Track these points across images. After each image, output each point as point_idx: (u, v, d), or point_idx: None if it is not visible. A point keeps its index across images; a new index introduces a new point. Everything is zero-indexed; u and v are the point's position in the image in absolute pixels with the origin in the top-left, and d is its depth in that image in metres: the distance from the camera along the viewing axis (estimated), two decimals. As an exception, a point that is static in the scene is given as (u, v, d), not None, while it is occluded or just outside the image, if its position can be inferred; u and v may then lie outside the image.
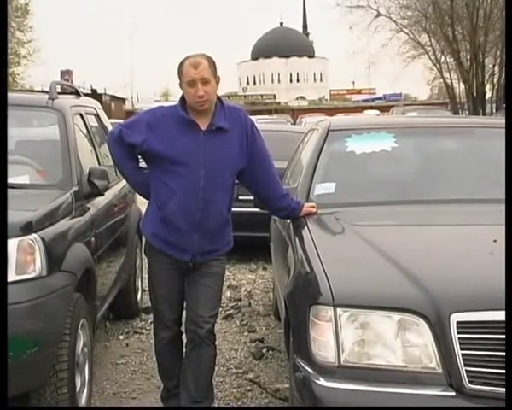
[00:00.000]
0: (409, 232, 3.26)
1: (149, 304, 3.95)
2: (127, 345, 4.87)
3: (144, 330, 5.15)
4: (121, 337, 5.03)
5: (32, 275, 3.01)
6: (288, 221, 3.62)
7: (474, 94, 31.16)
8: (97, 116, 5.20)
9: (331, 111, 39.78)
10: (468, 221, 3.39)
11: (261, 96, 75.80)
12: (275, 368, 4.39)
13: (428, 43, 33.08)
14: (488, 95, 33.00)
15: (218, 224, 3.25)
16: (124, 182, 4.38)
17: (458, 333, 2.27)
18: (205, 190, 3.14)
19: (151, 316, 4.10)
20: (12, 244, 2.94)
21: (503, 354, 2.22)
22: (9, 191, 3.13)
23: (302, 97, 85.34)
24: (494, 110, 30.02)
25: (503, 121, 3.76)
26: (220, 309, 4.09)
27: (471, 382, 2.26)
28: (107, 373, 4.31)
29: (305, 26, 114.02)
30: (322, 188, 3.77)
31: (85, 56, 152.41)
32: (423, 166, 4.05)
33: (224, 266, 3.41)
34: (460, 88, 34.68)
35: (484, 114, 28.95)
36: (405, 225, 3.41)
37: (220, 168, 3.18)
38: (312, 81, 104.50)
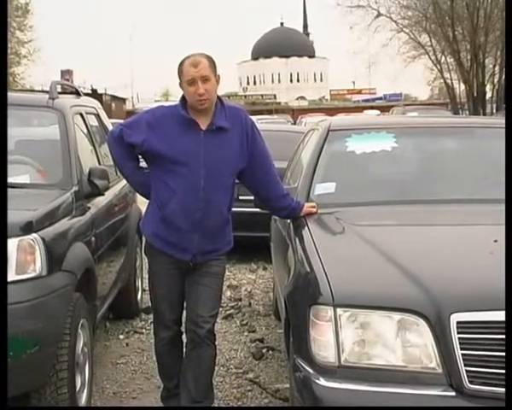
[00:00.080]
0: (409, 232, 3.26)
1: (149, 304, 3.95)
2: (127, 345, 4.87)
3: (144, 330, 5.15)
4: (121, 337, 5.03)
5: (32, 275, 3.01)
6: (289, 221, 3.62)
7: (475, 94, 31.15)
8: (97, 116, 5.20)
9: (331, 111, 39.79)
10: (468, 221, 3.39)
11: (261, 96, 75.81)
12: (275, 368, 4.39)
13: (429, 44, 33.07)
14: (488, 95, 33.00)
15: (218, 224, 3.25)
16: (124, 182, 4.38)
17: (458, 333, 2.27)
18: (205, 189, 3.14)
19: (151, 316, 4.10)
20: (12, 244, 2.94)
21: (503, 354, 2.22)
22: (10, 191, 3.13)
23: (302, 97, 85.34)
24: (494, 110, 30.01)
25: (504, 121, 3.76)
26: (220, 309, 4.09)
27: (471, 382, 2.26)
28: (107, 373, 4.31)
29: (305, 26, 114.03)
30: (322, 188, 3.77)
31: (85, 56, 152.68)
32: (423, 166, 4.05)
33: (224, 266, 3.41)
34: (460, 88, 34.69)
35: (484, 115, 28.93)
36: (405, 225, 3.41)
37: (220, 168, 3.18)
38: (313, 81, 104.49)
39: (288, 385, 3.56)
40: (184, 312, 3.38)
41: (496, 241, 2.76)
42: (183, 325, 3.38)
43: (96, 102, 5.50)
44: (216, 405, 3.64)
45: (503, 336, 2.23)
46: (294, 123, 29.38)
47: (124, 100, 59.03)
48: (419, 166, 4.07)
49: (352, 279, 2.56)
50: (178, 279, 3.31)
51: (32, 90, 9.56)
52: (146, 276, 3.72)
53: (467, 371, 2.26)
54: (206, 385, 3.36)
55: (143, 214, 3.50)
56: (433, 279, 2.45)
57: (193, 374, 3.29)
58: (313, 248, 2.90)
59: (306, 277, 2.76)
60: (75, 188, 3.79)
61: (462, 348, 2.26)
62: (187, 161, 3.13)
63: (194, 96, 3.10)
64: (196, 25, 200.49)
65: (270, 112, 49.58)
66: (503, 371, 2.21)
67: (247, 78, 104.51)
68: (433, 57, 33.37)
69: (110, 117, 7.24)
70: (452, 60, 32.51)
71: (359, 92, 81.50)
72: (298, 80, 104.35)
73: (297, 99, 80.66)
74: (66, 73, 47.72)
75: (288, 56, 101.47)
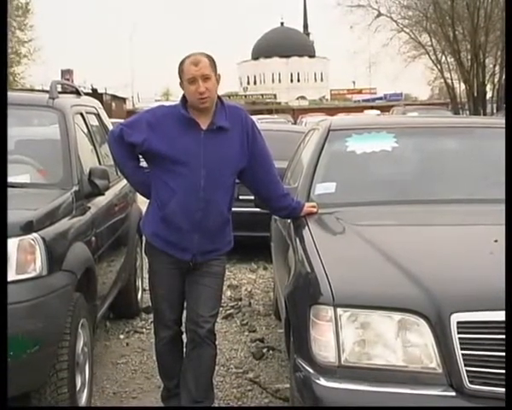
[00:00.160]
0: (409, 232, 3.26)
1: (150, 304, 3.94)
2: (127, 344, 4.87)
3: (144, 330, 5.15)
4: (121, 337, 5.03)
5: (33, 274, 3.01)
6: (289, 221, 3.62)
7: (475, 94, 31.13)
8: (98, 115, 5.20)
9: (332, 111, 39.82)
10: (468, 221, 3.39)
11: (262, 95, 75.79)
12: (275, 368, 4.39)
13: (429, 43, 33.06)
14: (489, 95, 32.98)
15: (218, 223, 3.25)
16: (124, 181, 4.38)
17: (459, 333, 2.27)
18: (205, 189, 3.14)
19: (151, 316, 4.10)
20: (12, 244, 2.94)
21: (504, 354, 2.22)
22: (10, 191, 3.13)
23: (303, 97, 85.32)
24: (495, 110, 30.01)
25: (504, 121, 3.76)
26: (220, 309, 4.09)
27: (471, 382, 2.26)
28: (107, 373, 4.31)
29: (305, 26, 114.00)
30: (322, 188, 3.77)
31: (86, 56, 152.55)
32: (424, 166, 4.04)
33: (224, 266, 3.41)
34: (461, 88, 34.67)
35: (485, 114, 28.92)
36: (406, 225, 3.41)
37: (221, 168, 3.18)
38: (313, 81, 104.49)
39: (288, 385, 3.56)
40: (185, 311, 3.38)
41: (496, 241, 2.76)
42: (184, 324, 3.38)
43: (96, 102, 5.50)
44: (216, 405, 3.64)
45: (504, 336, 2.23)
46: (295, 123, 29.38)
47: (124, 100, 59.02)
48: (419, 166, 4.07)
49: (352, 279, 2.56)
50: (179, 279, 3.31)
51: (33, 90, 9.55)
52: (146, 275, 3.72)
53: (467, 371, 2.26)
54: (207, 385, 3.36)
55: (144, 214, 3.50)
56: (433, 279, 2.45)
57: (193, 374, 3.29)
58: (313, 248, 2.90)
59: (307, 277, 2.76)
60: (75, 188, 3.79)
61: (462, 348, 2.26)
62: (187, 161, 3.13)
63: (194, 95, 3.10)
64: (196, 24, 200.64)
65: (270, 112, 49.58)
66: (503, 371, 2.21)
67: (248, 77, 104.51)
68: (433, 57, 33.37)
69: (110, 117, 7.24)
70: (453, 60, 32.50)
71: (359, 92, 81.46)
72: (298, 80, 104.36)
73: (297, 99, 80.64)
74: (66, 73, 47.72)
75: (288, 56, 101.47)
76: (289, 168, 5.21)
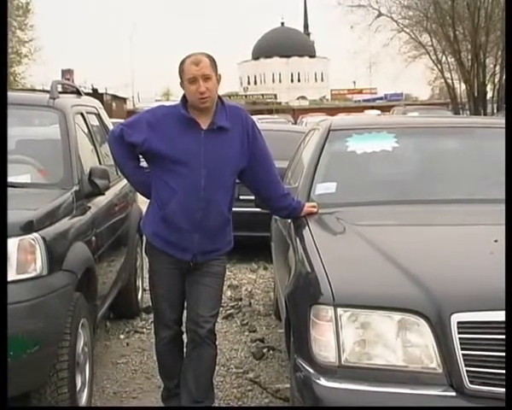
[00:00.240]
0: (409, 232, 3.26)
1: (150, 303, 3.94)
2: (128, 344, 4.87)
3: (145, 330, 5.15)
4: (122, 337, 5.03)
5: (33, 274, 3.01)
6: (289, 221, 3.62)
7: (475, 94, 31.13)
8: (98, 115, 5.20)
9: (332, 111, 39.85)
10: (468, 221, 3.39)
11: (262, 95, 75.75)
12: (275, 368, 4.39)
13: (429, 43, 33.05)
14: (489, 95, 32.97)
15: (218, 223, 3.25)
16: (124, 181, 4.38)
17: (459, 333, 2.27)
18: (206, 189, 3.14)
19: (152, 315, 4.10)
20: (13, 243, 2.94)
21: (504, 354, 2.22)
22: (10, 190, 3.13)
23: (303, 97, 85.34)
24: (495, 110, 30.00)
25: (504, 121, 3.76)
26: (221, 309, 4.09)
27: (471, 382, 2.26)
28: (107, 373, 4.31)
29: (306, 26, 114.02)
30: (323, 188, 3.77)
31: (86, 56, 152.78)
32: (424, 166, 4.04)
33: (224, 266, 3.41)
34: (461, 88, 34.67)
35: (485, 114, 28.91)
36: (406, 225, 3.41)
37: (221, 168, 3.18)
38: (313, 81, 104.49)
39: (288, 385, 3.56)
40: (185, 311, 3.38)
41: (496, 241, 2.76)
42: (184, 324, 3.38)
43: (96, 102, 5.50)
44: (216, 405, 3.64)
45: (504, 337, 2.22)
46: (295, 123, 29.39)
47: (124, 99, 59.04)
48: (419, 166, 4.07)
49: (352, 279, 2.56)
50: (179, 279, 3.31)
51: (33, 90, 9.55)
52: (146, 275, 3.72)
53: (467, 371, 2.26)
54: (207, 385, 3.36)
55: (144, 214, 3.50)
56: (433, 279, 2.45)
57: (193, 374, 3.28)
58: (314, 248, 2.90)
59: (307, 277, 2.76)
60: (76, 187, 3.79)
61: (462, 349, 2.26)
62: (187, 161, 3.12)
63: (195, 95, 3.10)
64: (197, 24, 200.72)
65: (270, 112, 49.59)
66: (504, 371, 2.21)
67: (248, 77, 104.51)
68: (433, 57, 33.36)
69: (111, 116, 7.24)
70: (453, 60, 32.49)
71: (360, 92, 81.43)
72: (299, 80, 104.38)
73: (298, 99, 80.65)
74: (66, 73, 47.70)
75: (288, 56, 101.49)
76: (290, 168, 5.21)
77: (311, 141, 4.52)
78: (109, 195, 4.37)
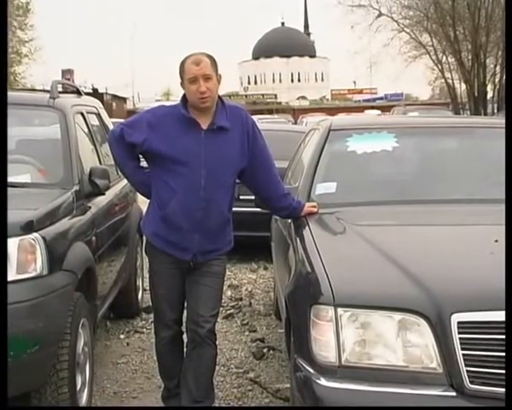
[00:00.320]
0: (410, 232, 3.26)
1: (150, 303, 3.94)
2: (128, 344, 4.87)
3: (145, 330, 5.15)
4: (122, 337, 5.03)
5: (33, 274, 3.01)
6: (289, 221, 3.62)
7: (476, 94, 31.11)
8: (98, 115, 5.20)
9: (332, 111, 39.86)
10: (468, 221, 3.39)
11: (262, 95, 75.76)
12: (275, 368, 4.39)
13: (430, 43, 33.03)
14: (490, 95, 32.96)
15: (218, 223, 3.25)
16: (125, 181, 4.38)
17: (459, 333, 2.27)
18: (206, 189, 3.14)
19: (152, 315, 4.10)
20: (13, 243, 2.94)
21: (504, 354, 2.22)
22: (10, 190, 3.13)
23: (303, 97, 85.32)
24: (496, 110, 30.00)
25: (504, 121, 3.75)
26: (221, 309, 4.09)
27: (472, 382, 2.26)
28: (107, 373, 4.31)
29: (306, 26, 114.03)
30: (323, 188, 3.77)
31: (86, 56, 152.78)
32: (424, 166, 4.04)
33: (224, 266, 3.41)
34: (461, 88, 34.63)
35: (485, 114, 28.91)
36: (406, 225, 3.41)
37: (221, 168, 3.18)
38: (313, 81, 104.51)
39: (288, 385, 3.56)
40: (185, 311, 3.38)
41: (496, 241, 2.76)
42: (184, 324, 3.38)
43: (96, 102, 5.51)
44: (216, 405, 3.64)
45: (504, 337, 2.22)
46: (295, 123, 29.38)
47: (124, 99, 59.06)
48: (420, 166, 4.07)
49: (352, 279, 2.56)
50: (179, 279, 3.31)
51: (33, 90, 9.54)
52: (147, 275, 3.72)
53: (467, 371, 2.26)
54: (207, 385, 3.36)
55: (144, 214, 3.50)
56: (433, 279, 2.45)
57: (193, 374, 3.29)
58: (314, 247, 2.90)
59: (307, 276, 2.76)
60: (76, 187, 3.79)
61: (462, 349, 2.26)
62: (187, 161, 3.12)
63: (195, 95, 3.10)
64: (197, 24, 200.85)
65: (270, 111, 49.61)
66: (504, 371, 2.21)
67: (248, 77, 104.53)
68: (434, 57, 33.34)
69: (111, 116, 7.25)
70: (453, 60, 32.47)
71: (360, 92, 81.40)
72: (299, 80, 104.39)
73: (298, 99, 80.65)
74: (67, 73, 47.69)
75: (288, 56, 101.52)
76: (290, 168, 5.21)
77: (312, 141, 4.52)
78: (109, 195, 4.37)
